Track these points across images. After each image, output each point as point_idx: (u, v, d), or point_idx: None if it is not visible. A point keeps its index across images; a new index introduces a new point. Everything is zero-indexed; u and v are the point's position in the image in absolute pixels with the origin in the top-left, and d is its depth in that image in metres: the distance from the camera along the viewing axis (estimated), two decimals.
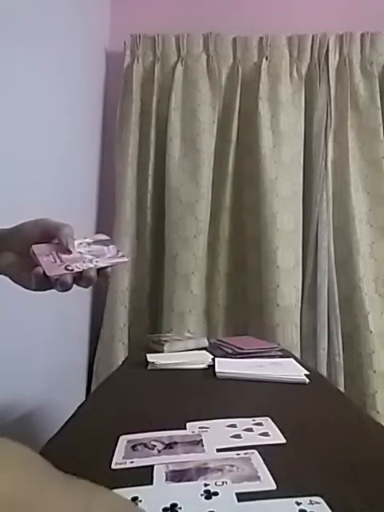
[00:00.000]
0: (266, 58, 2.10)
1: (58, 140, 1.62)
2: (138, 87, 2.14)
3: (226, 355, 1.20)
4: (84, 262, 0.63)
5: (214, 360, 1.10)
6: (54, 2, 1.58)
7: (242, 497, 0.43)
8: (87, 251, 0.65)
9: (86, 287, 0.62)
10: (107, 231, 2.14)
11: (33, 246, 0.62)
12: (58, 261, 0.61)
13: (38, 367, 1.48)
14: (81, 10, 1.88)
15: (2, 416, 1.25)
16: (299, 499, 0.42)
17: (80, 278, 0.61)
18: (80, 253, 0.64)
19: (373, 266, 2.01)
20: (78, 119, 1.88)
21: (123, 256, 0.67)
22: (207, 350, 1.24)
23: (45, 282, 0.60)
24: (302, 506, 0.41)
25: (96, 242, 0.68)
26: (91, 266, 0.62)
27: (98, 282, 0.63)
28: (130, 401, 0.84)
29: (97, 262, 0.64)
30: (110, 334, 2.00)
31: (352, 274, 1.96)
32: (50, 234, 0.64)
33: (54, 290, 0.61)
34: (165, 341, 1.30)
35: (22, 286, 0.63)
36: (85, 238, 0.69)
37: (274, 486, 0.46)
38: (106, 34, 2.27)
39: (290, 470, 0.50)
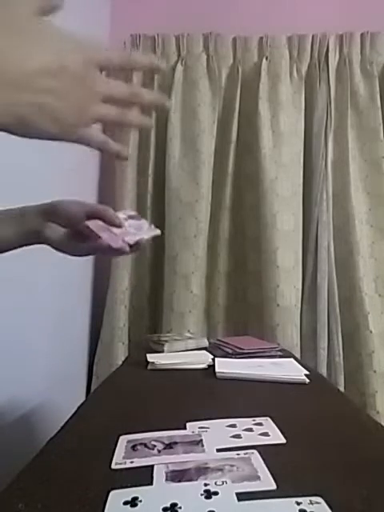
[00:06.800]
0: (266, 58, 2.10)
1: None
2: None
3: (226, 355, 1.20)
4: (130, 235, 0.76)
5: (214, 360, 1.10)
6: None
7: (241, 496, 0.43)
8: (128, 225, 0.77)
9: (135, 253, 0.79)
10: None
11: (89, 224, 0.73)
12: (113, 235, 0.74)
13: (38, 367, 1.48)
14: (80, 9, 1.87)
15: (2, 416, 1.25)
16: (299, 499, 0.43)
17: (131, 247, 0.76)
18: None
19: (373, 266, 2.01)
20: None
21: (157, 228, 0.80)
22: (207, 350, 1.24)
23: (94, 252, 0.78)
24: (301, 506, 0.41)
25: (131, 217, 0.79)
26: (138, 238, 0.76)
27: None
28: (130, 401, 0.84)
29: (140, 234, 0.77)
30: (110, 333, 2.00)
31: (352, 274, 1.96)
32: (94, 216, 0.74)
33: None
34: (165, 341, 1.30)
35: (66, 253, 0.76)
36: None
37: (273, 486, 0.46)
38: (106, 34, 2.27)
39: (289, 470, 0.50)
